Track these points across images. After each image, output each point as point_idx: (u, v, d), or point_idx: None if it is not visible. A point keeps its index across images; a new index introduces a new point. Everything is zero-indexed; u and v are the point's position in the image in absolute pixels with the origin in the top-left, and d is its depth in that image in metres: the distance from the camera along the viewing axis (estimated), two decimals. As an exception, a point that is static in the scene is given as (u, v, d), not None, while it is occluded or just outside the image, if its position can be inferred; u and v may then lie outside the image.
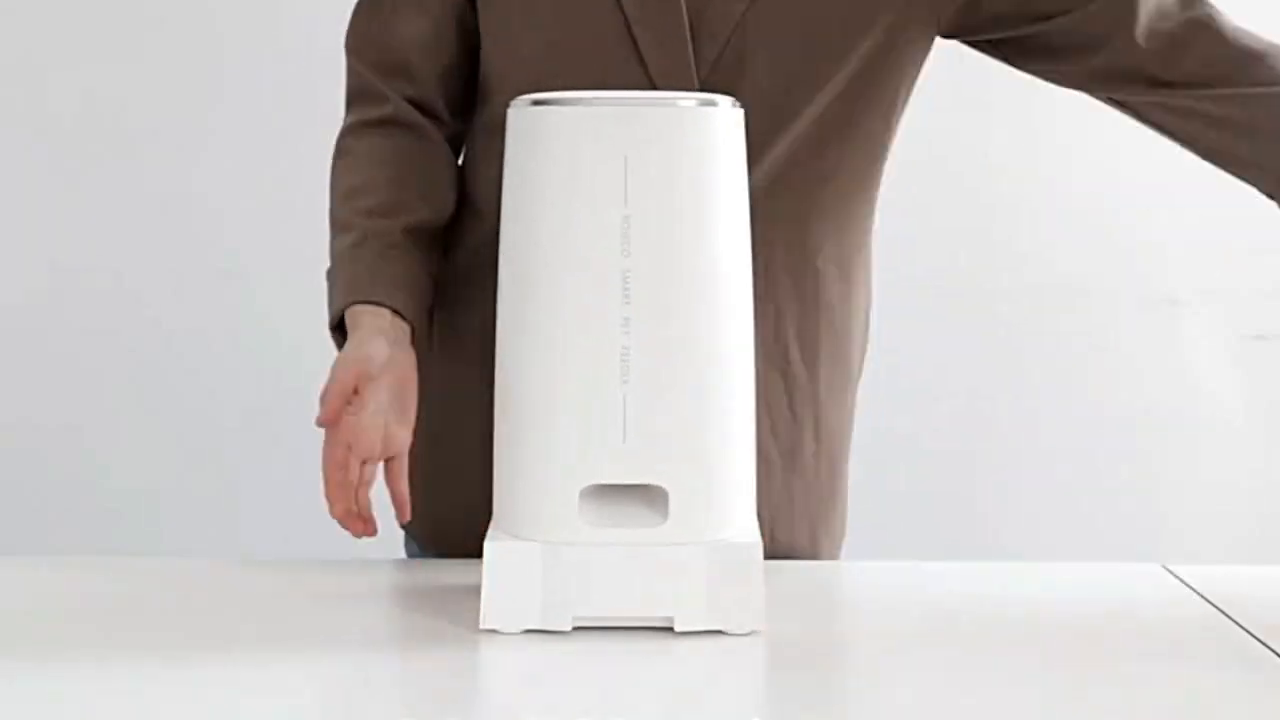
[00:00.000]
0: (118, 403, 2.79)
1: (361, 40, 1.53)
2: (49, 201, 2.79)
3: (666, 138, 1.24)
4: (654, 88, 1.45)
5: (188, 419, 2.79)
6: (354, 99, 1.54)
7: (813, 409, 1.53)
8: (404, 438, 1.38)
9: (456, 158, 1.55)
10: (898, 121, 1.54)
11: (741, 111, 1.29)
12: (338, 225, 1.47)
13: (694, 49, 1.45)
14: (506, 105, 1.28)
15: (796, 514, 1.52)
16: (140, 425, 2.79)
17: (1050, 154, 2.78)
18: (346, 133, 1.53)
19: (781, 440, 1.51)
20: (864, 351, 1.59)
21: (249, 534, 2.69)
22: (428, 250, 1.47)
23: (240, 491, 2.78)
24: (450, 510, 1.53)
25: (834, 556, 1.58)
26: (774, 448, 1.50)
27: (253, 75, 2.74)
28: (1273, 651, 1.23)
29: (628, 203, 1.23)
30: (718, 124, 1.27)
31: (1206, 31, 1.50)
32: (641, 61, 1.45)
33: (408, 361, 1.40)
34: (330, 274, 1.45)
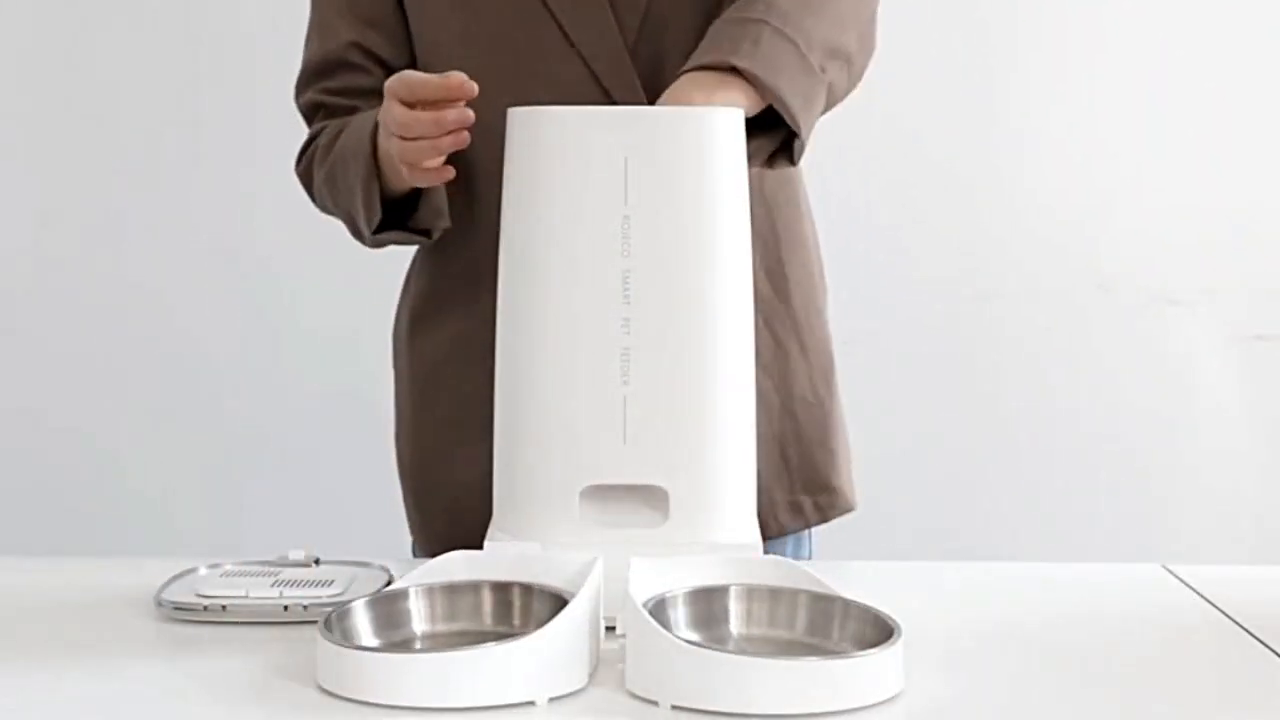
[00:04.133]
0: (124, 403, 2.79)
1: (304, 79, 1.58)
2: (55, 202, 2.79)
3: (666, 138, 1.25)
4: (586, 64, 1.45)
5: (192, 420, 2.79)
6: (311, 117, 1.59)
7: (795, 332, 1.55)
8: None
9: None
10: None
11: (741, 112, 1.29)
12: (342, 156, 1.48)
13: (616, 17, 1.45)
14: None
15: (804, 445, 1.54)
16: (146, 426, 2.79)
17: (1049, 154, 2.78)
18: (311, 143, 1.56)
19: (773, 374, 1.53)
20: (823, 275, 1.62)
21: (251, 535, 2.69)
22: None
23: (243, 492, 2.78)
24: (446, 512, 1.53)
25: (848, 480, 1.59)
26: (768, 384, 1.51)
27: (260, 75, 2.73)
28: (1273, 651, 1.23)
29: (628, 203, 1.23)
30: (717, 125, 1.27)
31: None
32: (566, 38, 1.45)
33: None
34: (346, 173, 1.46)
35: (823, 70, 1.39)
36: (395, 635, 1.16)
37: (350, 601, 1.17)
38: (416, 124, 1.30)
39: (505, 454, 1.29)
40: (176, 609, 1.26)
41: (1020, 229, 2.78)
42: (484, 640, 1.11)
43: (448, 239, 1.51)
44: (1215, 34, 2.78)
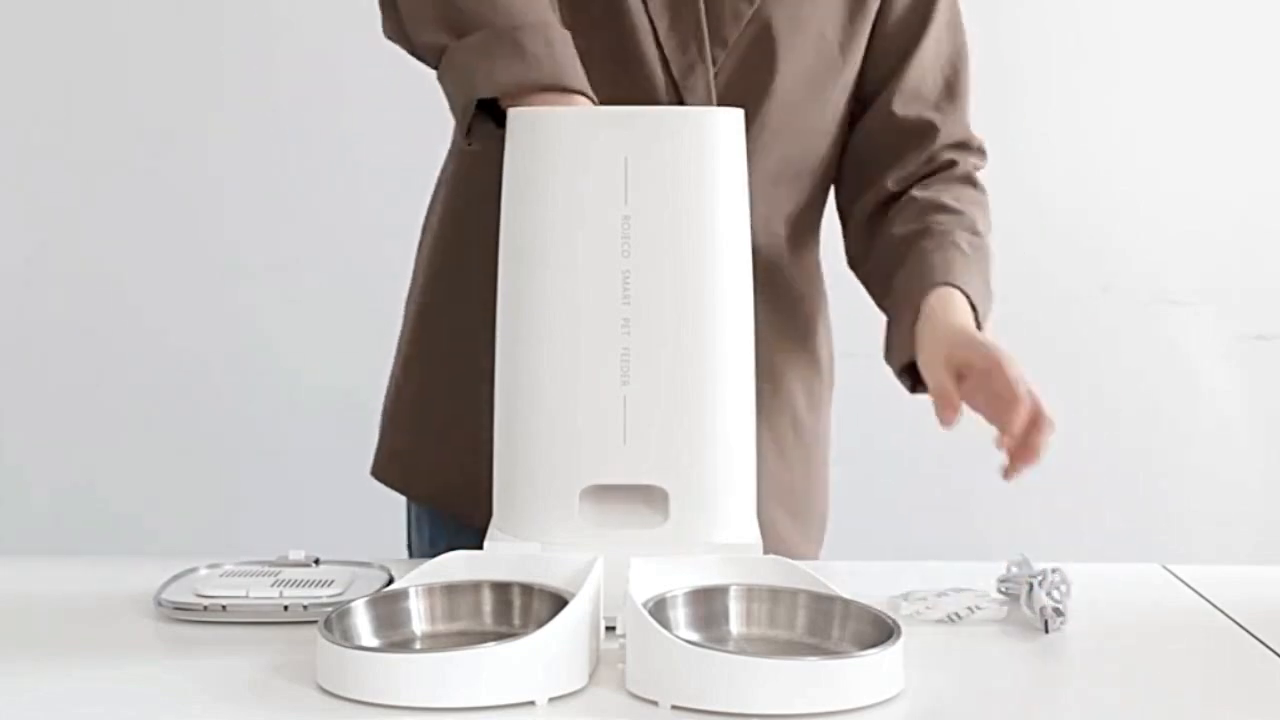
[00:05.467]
0: (123, 403, 2.79)
1: None
2: (46, 201, 2.79)
3: (666, 139, 1.25)
4: (674, 83, 1.48)
5: (191, 420, 2.79)
6: None
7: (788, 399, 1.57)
8: None
9: None
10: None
11: (741, 112, 1.29)
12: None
13: (709, 37, 1.48)
14: None
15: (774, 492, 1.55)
16: (144, 426, 2.79)
17: (1050, 155, 2.78)
18: None
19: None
20: (830, 348, 1.64)
21: (251, 535, 2.69)
22: None
23: (243, 492, 2.78)
24: (451, 470, 1.53)
25: (815, 545, 1.61)
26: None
27: (254, 74, 2.74)
28: (1272, 651, 1.23)
29: (628, 204, 1.23)
30: (717, 126, 1.27)
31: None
32: (663, 57, 1.47)
33: None
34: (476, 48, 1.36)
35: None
36: (395, 635, 1.16)
37: (350, 601, 1.17)
38: None
39: (505, 454, 1.28)
40: (176, 609, 1.26)
41: (1021, 230, 2.77)
42: (484, 640, 1.11)
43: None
44: (1216, 36, 2.78)
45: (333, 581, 1.32)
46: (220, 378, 2.77)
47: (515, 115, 1.29)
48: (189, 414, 2.79)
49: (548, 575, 1.19)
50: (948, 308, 1.44)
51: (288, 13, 2.74)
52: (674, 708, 1.05)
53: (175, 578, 1.33)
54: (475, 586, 1.20)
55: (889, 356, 1.50)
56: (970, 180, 1.60)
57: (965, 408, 1.39)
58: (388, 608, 1.17)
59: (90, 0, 2.75)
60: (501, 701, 1.05)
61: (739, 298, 1.27)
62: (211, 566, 1.37)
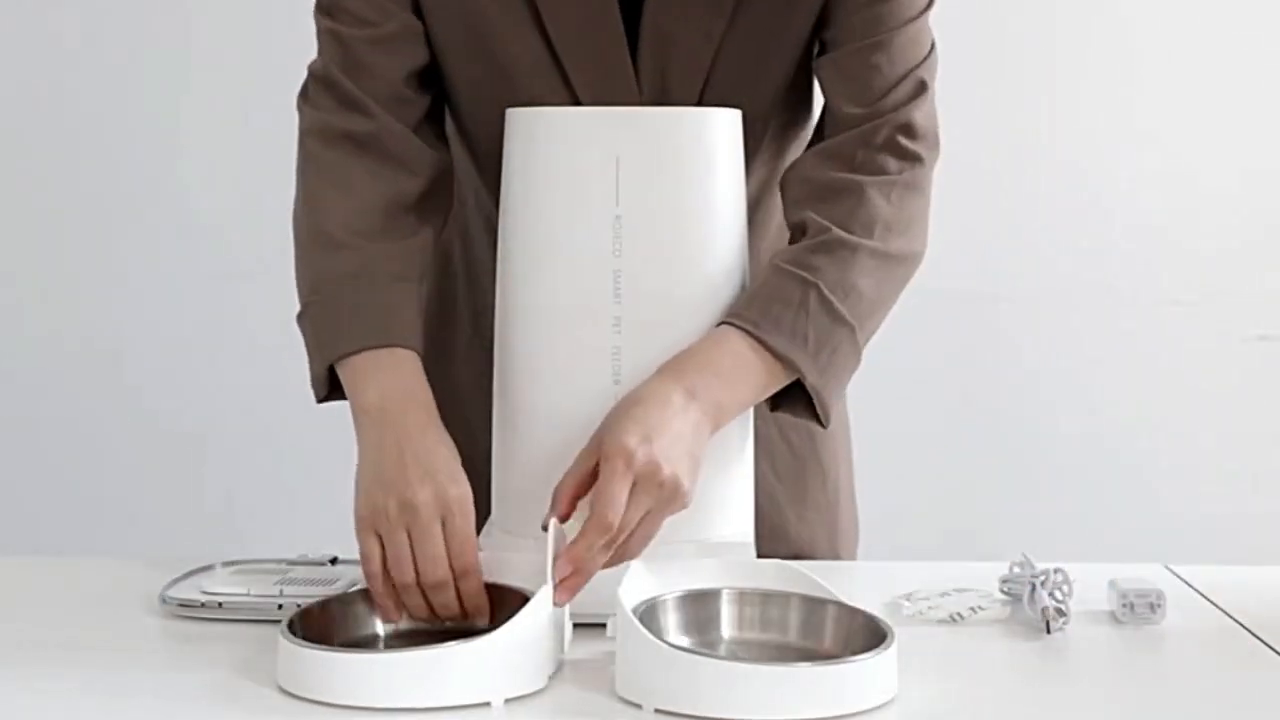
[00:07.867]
0: (153, 403, 2.78)
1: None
2: (45, 200, 2.79)
3: (658, 139, 1.24)
4: None
5: (175, 421, 2.78)
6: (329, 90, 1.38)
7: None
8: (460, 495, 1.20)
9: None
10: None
11: (739, 113, 1.28)
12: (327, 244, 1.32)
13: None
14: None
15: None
16: (128, 427, 2.78)
17: (1052, 155, 2.77)
18: (322, 133, 1.38)
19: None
20: None
21: (249, 537, 2.69)
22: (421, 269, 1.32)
23: (236, 495, 2.77)
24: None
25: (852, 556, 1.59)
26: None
27: (230, 71, 2.74)
28: (1273, 651, 1.23)
29: (619, 203, 1.22)
30: (710, 126, 1.26)
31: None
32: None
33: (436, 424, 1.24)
34: (317, 304, 1.30)
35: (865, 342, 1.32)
36: (358, 635, 1.16)
37: (316, 602, 1.16)
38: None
39: (501, 452, 1.29)
40: (180, 605, 1.27)
41: (1023, 230, 2.78)
42: (445, 640, 1.11)
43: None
44: (1218, 37, 2.78)
45: (337, 581, 1.31)
46: (255, 377, 2.73)
47: (512, 114, 1.28)
48: (176, 415, 2.78)
49: (511, 575, 1.19)
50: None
51: (287, 12, 2.72)
52: (657, 711, 1.04)
53: (189, 574, 1.33)
54: None
55: None
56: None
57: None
58: (352, 608, 1.17)
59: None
60: (459, 702, 1.05)
61: (731, 296, 1.26)
62: (227, 564, 1.37)
